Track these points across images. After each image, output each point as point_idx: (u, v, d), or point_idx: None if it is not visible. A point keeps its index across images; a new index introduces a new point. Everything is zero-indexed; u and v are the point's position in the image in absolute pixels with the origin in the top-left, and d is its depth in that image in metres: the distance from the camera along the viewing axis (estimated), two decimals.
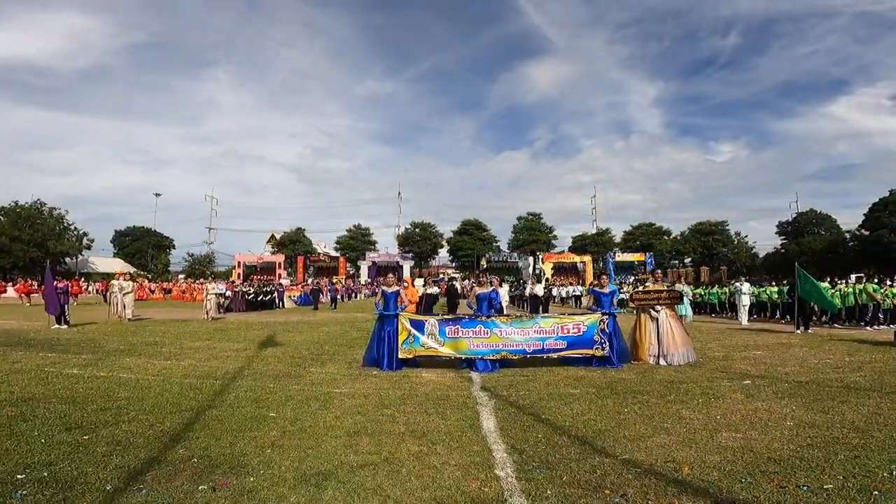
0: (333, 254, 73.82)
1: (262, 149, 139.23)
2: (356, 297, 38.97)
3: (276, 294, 26.16)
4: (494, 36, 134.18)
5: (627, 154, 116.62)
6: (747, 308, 16.05)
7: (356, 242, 72.67)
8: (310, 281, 53.68)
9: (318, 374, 7.29)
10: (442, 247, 73.16)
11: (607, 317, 8.12)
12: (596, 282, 9.10)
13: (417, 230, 72.07)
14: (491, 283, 9.93)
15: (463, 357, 7.75)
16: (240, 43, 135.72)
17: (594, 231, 71.46)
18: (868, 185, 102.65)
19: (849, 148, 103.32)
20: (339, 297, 29.07)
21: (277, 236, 76.15)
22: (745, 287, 16.07)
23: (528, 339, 7.81)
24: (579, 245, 69.79)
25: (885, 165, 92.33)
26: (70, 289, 32.18)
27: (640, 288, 8.81)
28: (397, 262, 70.25)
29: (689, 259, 68.88)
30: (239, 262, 69.01)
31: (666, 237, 70.36)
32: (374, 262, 68.91)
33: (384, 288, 8.16)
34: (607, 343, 7.99)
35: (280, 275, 63.08)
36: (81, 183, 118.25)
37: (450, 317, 8.13)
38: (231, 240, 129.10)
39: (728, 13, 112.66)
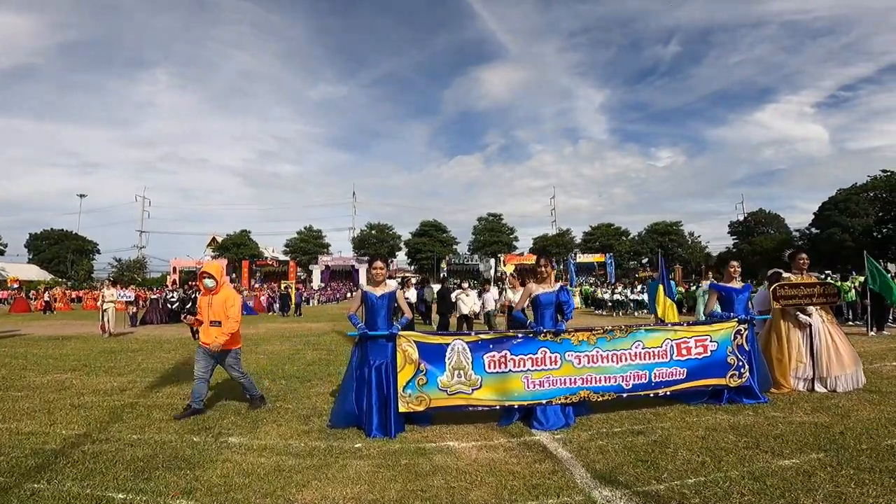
0: (283, 258, 68.21)
1: (204, 152, 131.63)
2: (309, 303, 34.68)
3: None
4: (450, 42, 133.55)
5: (576, 159, 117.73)
6: None
7: (308, 245, 67.39)
8: (255, 286, 48.67)
9: (244, 456, 3.57)
10: (400, 249, 69.22)
11: (745, 326, 4.90)
12: (716, 273, 5.98)
13: (374, 232, 67.78)
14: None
15: (516, 405, 4.28)
16: (183, 44, 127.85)
17: (555, 232, 69.96)
18: (791, 189, 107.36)
19: (774, 154, 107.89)
20: (302, 302, 27.25)
21: (219, 239, 69.64)
22: None
23: (628, 368, 4.47)
24: (541, 246, 68.03)
25: (806, 171, 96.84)
26: None
27: (783, 281, 5.60)
28: (353, 266, 65.86)
29: (647, 259, 68.74)
30: (175, 268, 62.42)
31: (624, 237, 69.91)
32: (327, 266, 64.08)
33: (366, 289, 4.53)
34: (746, 366, 4.79)
35: None
36: (3, 187, 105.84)
37: (490, 335, 4.62)
38: (168, 245, 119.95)
39: (670, 23, 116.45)
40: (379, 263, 4.60)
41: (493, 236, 66.16)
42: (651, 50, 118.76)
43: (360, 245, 67.28)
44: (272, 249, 72.58)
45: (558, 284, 4.71)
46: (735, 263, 5.38)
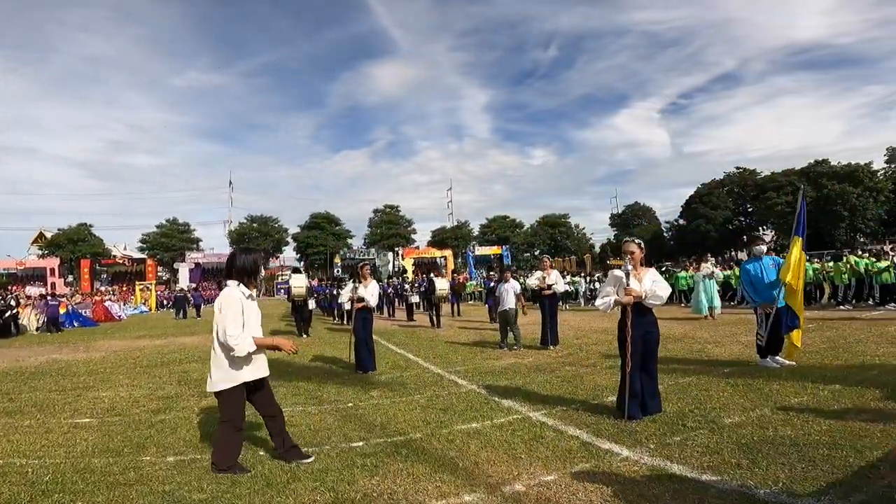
0: (138, 255, 56.69)
1: (35, 141, 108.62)
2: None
3: (18, 312, 14.77)
4: (340, 34, 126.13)
5: (461, 156, 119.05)
6: None
7: (170, 241, 56.87)
8: (100, 288, 38.91)
9: None
10: (287, 244, 61.94)
11: None
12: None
13: (255, 225, 59.51)
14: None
15: None
16: (14, 26, 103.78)
17: (453, 225, 68.38)
18: (640, 188, 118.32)
19: (626, 156, 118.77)
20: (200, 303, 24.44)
21: (48, 235, 55.87)
22: None
23: None
24: (439, 239, 66.06)
25: (651, 171, 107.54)
26: None
27: None
28: None
29: (539, 251, 70.47)
30: None
31: (518, 230, 70.91)
32: (197, 264, 54.59)
33: None
34: None
35: (53, 284, 45.86)
36: None
37: None
38: None
39: (551, 27, 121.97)
40: None
41: (391, 229, 62.26)
42: (532, 53, 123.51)
43: (238, 240, 58.62)
44: (123, 247, 60.26)
45: None
46: None
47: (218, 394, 3.11)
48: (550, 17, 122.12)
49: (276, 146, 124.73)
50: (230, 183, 64.34)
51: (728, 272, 15.16)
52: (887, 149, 47.80)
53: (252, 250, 3.34)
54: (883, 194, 43.29)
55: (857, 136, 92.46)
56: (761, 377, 5.05)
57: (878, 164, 46.10)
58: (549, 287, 8.18)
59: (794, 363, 5.64)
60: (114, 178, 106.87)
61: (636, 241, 4.11)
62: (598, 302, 4.09)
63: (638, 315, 3.87)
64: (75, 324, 18.46)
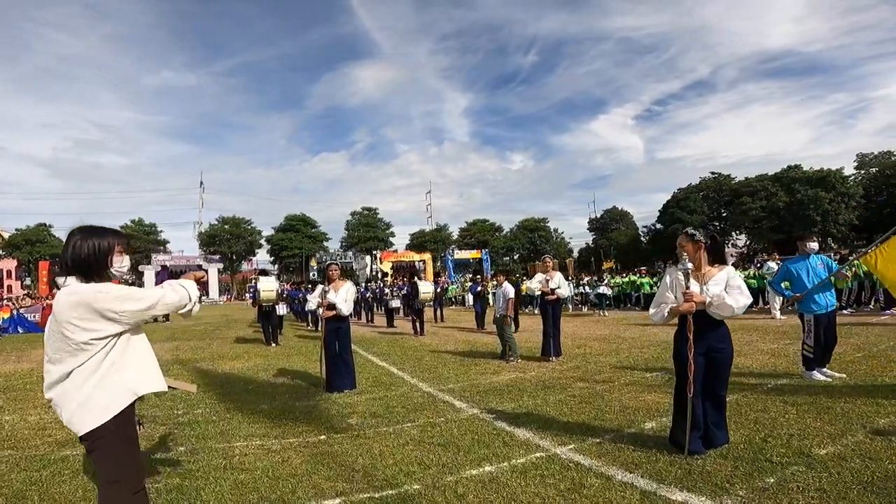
0: None
1: (1, 139, 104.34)
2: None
3: None
4: (322, 36, 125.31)
5: (440, 160, 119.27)
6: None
7: (136, 242, 54.32)
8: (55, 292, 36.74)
9: None
10: (260, 246, 59.90)
11: None
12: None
13: (227, 227, 57.35)
14: None
15: None
16: None
17: (432, 228, 67.42)
18: (615, 192, 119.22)
19: (603, 161, 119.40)
20: None
21: (6, 235, 52.88)
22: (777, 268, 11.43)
23: None
24: (418, 243, 65.02)
25: (626, 176, 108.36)
26: None
27: None
28: (199, 266, 54.85)
29: (518, 255, 70.09)
30: None
31: (498, 233, 70.39)
32: (164, 266, 52.28)
33: None
34: None
35: (9, 287, 43.20)
36: None
37: None
38: None
39: (532, 32, 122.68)
40: None
41: (369, 231, 60.91)
42: (513, 58, 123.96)
43: (208, 241, 56.39)
44: None
45: None
46: None
47: (89, 436, 1.83)
48: (531, 22, 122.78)
49: (253, 147, 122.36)
50: (201, 184, 62.05)
51: None
52: (857, 155, 49.02)
53: (99, 231, 1.98)
54: (854, 199, 44.11)
55: (823, 144, 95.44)
56: (820, 393, 4.25)
57: (849, 170, 47.19)
58: (553, 291, 7.32)
59: (843, 375, 4.89)
60: (81, 177, 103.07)
61: (689, 231, 3.20)
62: (651, 311, 3.21)
63: (701, 327, 3.00)
64: (20, 329, 16.78)
